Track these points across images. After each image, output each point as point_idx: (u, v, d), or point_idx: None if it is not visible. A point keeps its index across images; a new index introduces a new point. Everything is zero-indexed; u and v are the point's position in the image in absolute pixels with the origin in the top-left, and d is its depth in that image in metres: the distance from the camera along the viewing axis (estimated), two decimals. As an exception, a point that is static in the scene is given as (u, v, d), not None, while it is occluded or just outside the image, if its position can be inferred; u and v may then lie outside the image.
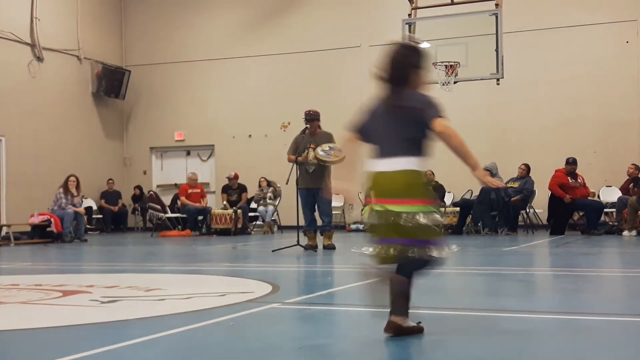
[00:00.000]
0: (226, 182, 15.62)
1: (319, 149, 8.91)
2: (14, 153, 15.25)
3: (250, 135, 17.56)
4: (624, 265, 7.59)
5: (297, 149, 9.13)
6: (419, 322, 3.33)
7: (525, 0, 15.10)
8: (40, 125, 16.04)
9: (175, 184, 17.89)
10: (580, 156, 13.44)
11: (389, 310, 3.25)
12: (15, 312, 4.30)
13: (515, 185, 13.05)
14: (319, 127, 9.34)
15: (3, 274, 7.09)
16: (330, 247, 9.19)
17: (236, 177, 15.37)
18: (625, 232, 11.91)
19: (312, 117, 9.22)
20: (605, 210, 13.27)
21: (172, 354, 3.07)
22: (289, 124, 16.82)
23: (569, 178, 12.69)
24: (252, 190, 15.59)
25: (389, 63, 3.40)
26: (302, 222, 9.22)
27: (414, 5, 12.69)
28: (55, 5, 16.68)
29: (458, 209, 13.26)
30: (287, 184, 9.04)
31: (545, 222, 13.54)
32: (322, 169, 9.07)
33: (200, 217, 14.91)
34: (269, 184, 15.35)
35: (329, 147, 8.99)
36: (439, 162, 16.46)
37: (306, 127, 9.26)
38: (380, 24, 16.26)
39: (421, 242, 3.23)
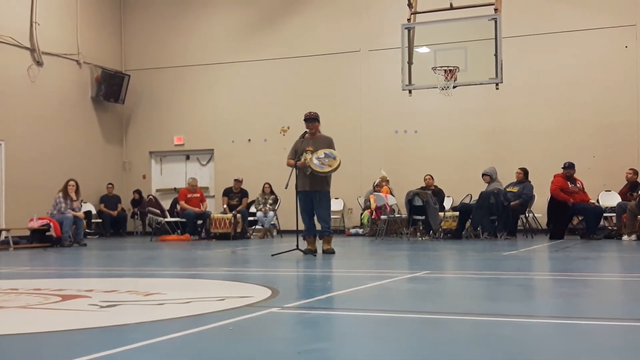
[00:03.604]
0: (227, 185, 15.63)
1: (313, 158, 8.88)
2: (14, 157, 15.26)
3: (249, 140, 17.57)
4: (624, 269, 7.58)
5: (296, 153, 9.12)
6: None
7: (524, 6, 15.14)
8: (40, 129, 16.05)
9: (175, 189, 17.89)
10: (579, 161, 13.44)
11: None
12: (14, 316, 4.29)
13: (515, 189, 13.05)
14: (319, 130, 9.34)
15: (2, 278, 7.08)
16: (329, 252, 9.18)
17: (241, 181, 15.43)
18: (625, 237, 11.90)
19: (311, 118, 9.22)
20: (605, 214, 13.26)
21: (172, 359, 3.06)
22: (288, 128, 16.84)
23: (568, 183, 12.69)
24: (251, 195, 15.59)
25: None
26: (301, 227, 9.22)
27: (413, 10, 12.71)
28: (54, 10, 16.71)
29: (457, 213, 13.26)
30: (286, 188, 9.04)
31: (544, 226, 13.53)
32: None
33: (199, 222, 14.90)
34: (272, 191, 15.33)
35: (324, 153, 8.96)
36: (438, 167, 16.56)
37: (305, 131, 9.26)
38: (380, 28, 16.30)
39: None
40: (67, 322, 4.07)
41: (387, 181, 14.75)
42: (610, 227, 13.22)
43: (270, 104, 17.31)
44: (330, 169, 8.92)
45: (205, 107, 18.05)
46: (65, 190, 13.21)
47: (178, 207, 15.25)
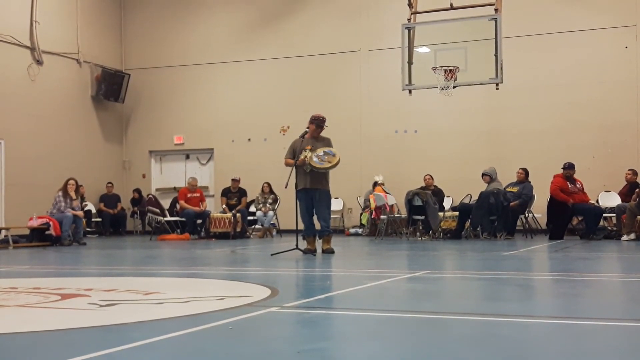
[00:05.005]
0: (227, 185, 15.62)
1: (313, 155, 8.89)
2: (14, 156, 15.25)
3: (249, 139, 17.57)
4: (623, 270, 7.59)
5: (295, 153, 9.11)
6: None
7: (524, 6, 15.14)
8: (40, 128, 16.05)
9: (175, 188, 17.89)
10: (579, 161, 13.44)
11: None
12: (14, 315, 4.29)
13: (514, 190, 13.05)
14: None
15: (1, 277, 7.08)
16: (329, 251, 9.18)
17: (239, 181, 15.42)
18: (624, 237, 11.90)
19: (321, 124, 9.19)
20: (604, 215, 13.26)
21: (171, 358, 3.06)
22: (288, 127, 16.84)
23: (568, 183, 12.70)
24: (251, 194, 15.59)
25: None
26: (301, 226, 9.21)
27: (413, 9, 12.72)
28: (55, 9, 16.70)
29: (457, 213, 13.26)
30: (286, 187, 9.04)
31: (544, 226, 13.54)
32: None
33: (199, 221, 14.90)
34: (272, 190, 15.32)
35: (323, 151, 8.98)
36: (438, 167, 16.56)
37: (305, 131, 9.26)
38: (380, 28, 16.31)
39: None
40: (67, 321, 4.07)
41: (382, 184, 14.71)
42: (609, 228, 13.21)
43: (270, 104, 17.31)
44: (330, 164, 8.93)
45: (205, 106, 18.05)
46: (64, 189, 13.21)
47: (178, 206, 15.25)
